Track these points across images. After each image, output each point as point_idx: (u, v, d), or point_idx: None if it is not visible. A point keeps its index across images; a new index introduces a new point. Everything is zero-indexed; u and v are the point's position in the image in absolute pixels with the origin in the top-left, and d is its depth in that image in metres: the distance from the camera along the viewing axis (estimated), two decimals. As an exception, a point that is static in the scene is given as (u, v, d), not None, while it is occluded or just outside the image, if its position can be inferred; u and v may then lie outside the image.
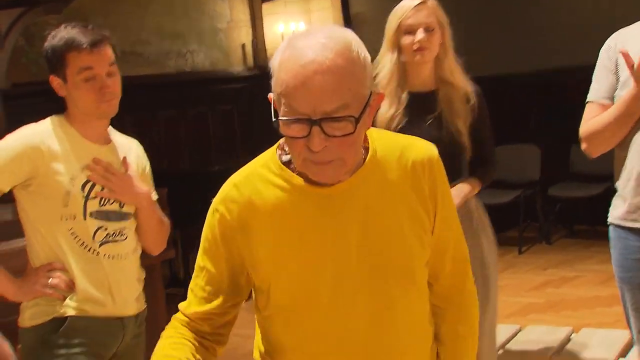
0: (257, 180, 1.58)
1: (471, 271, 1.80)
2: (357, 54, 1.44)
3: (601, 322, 3.72)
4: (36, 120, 2.45)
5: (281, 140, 1.59)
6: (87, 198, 2.41)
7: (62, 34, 2.43)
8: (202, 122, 7.42)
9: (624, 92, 2.53)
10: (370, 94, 1.47)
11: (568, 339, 3.46)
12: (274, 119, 1.46)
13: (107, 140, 2.55)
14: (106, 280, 2.41)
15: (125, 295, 2.46)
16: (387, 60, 2.91)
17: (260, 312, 1.65)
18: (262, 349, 1.69)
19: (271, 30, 8.24)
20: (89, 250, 2.41)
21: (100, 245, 2.42)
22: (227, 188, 1.60)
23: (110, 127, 2.62)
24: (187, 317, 1.62)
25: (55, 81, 2.43)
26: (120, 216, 2.48)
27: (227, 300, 1.62)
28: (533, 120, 7.12)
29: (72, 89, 2.43)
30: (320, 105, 1.39)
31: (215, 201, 1.61)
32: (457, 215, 2.74)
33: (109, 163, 2.48)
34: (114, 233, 2.46)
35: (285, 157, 1.57)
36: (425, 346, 1.70)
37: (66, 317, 2.37)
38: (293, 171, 1.55)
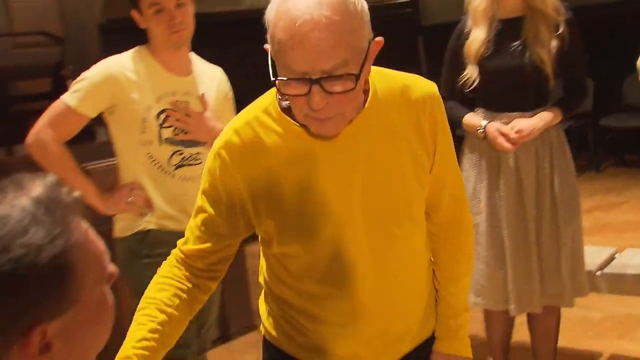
0: (257, 126, 1.52)
1: (468, 202, 1.76)
2: (354, 6, 1.35)
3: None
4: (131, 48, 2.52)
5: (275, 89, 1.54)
6: (161, 126, 2.46)
7: None
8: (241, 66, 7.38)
9: None
10: (369, 44, 1.40)
11: (612, 258, 3.45)
12: (272, 78, 1.41)
13: (188, 71, 2.58)
14: (180, 200, 2.48)
15: None
16: None
17: (263, 248, 1.65)
18: (266, 277, 1.70)
19: None
20: (165, 172, 2.49)
21: (176, 168, 2.50)
22: (229, 133, 1.55)
23: (196, 56, 2.65)
24: (182, 253, 1.60)
25: (135, 15, 2.47)
26: (194, 143, 2.52)
27: (223, 241, 1.60)
28: (587, 53, 6.99)
29: (147, 21, 2.46)
30: (318, 64, 1.32)
31: (217, 145, 1.55)
32: (538, 145, 2.74)
33: (185, 105, 2.50)
34: (189, 157, 2.51)
35: (285, 103, 1.50)
36: (422, 271, 1.69)
37: (148, 230, 2.49)
38: (293, 118, 1.49)
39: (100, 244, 1.02)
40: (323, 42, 1.30)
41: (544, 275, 2.86)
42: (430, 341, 1.75)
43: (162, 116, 2.47)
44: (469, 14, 2.87)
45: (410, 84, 1.57)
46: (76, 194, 0.99)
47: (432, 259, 1.74)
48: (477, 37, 2.82)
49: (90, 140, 3.61)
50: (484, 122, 2.81)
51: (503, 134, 2.75)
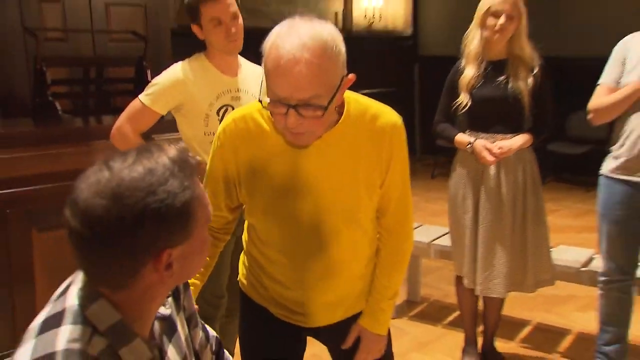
0: (251, 120, 1.52)
1: (412, 214, 1.69)
2: (332, 50, 1.32)
3: (573, 243, 3.82)
4: (196, 52, 2.42)
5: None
6: (221, 119, 2.34)
7: None
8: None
9: (628, 79, 2.57)
10: (342, 80, 1.37)
11: None
12: (259, 99, 1.44)
13: (237, 72, 2.47)
14: None
15: None
16: (474, 34, 2.81)
17: (246, 216, 1.65)
18: (245, 238, 1.71)
19: (358, 5, 7.93)
20: None
21: None
22: (228, 121, 1.55)
23: (241, 58, 2.53)
24: None
25: (196, 29, 2.39)
26: None
27: (228, 209, 1.61)
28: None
29: (207, 33, 2.36)
30: (296, 94, 1.31)
31: (219, 130, 1.56)
32: (514, 162, 2.77)
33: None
34: None
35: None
36: (362, 262, 1.66)
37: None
38: None
39: (207, 198, 1.09)
40: (301, 78, 1.29)
41: (511, 269, 2.82)
42: (357, 316, 1.72)
43: (222, 110, 2.41)
44: (463, 56, 2.87)
45: (379, 114, 1.54)
46: (198, 158, 1.07)
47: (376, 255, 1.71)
48: (469, 73, 2.81)
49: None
50: (472, 139, 2.82)
51: (487, 150, 2.75)
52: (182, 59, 2.48)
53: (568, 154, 6.24)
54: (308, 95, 1.32)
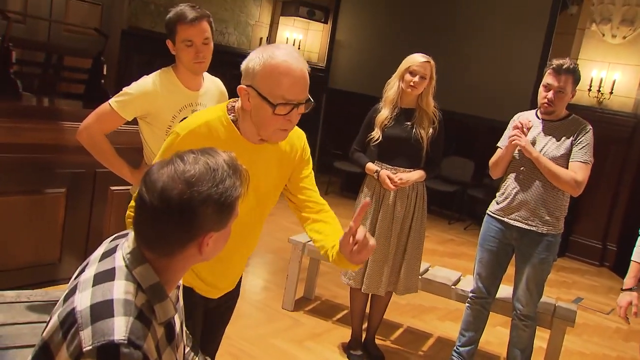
0: (213, 126, 1.58)
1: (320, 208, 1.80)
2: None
3: (439, 264, 4.17)
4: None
5: (229, 105, 1.62)
6: None
7: (176, 9, 2.32)
8: (224, 77, 7.39)
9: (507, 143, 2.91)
10: None
11: (427, 270, 3.58)
12: (274, 104, 1.49)
13: (200, 86, 2.42)
14: None
15: None
16: (393, 83, 3.04)
17: None
18: None
19: (281, 34, 8.21)
20: None
21: None
22: (192, 122, 1.59)
23: (206, 74, 2.48)
24: None
25: (169, 44, 2.33)
26: None
27: None
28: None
29: (178, 51, 2.31)
30: (302, 95, 1.53)
31: (178, 127, 1.60)
32: (409, 191, 2.99)
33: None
34: None
35: (232, 118, 1.60)
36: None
37: None
38: (237, 128, 1.59)
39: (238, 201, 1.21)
40: (305, 84, 1.53)
41: (390, 273, 3.08)
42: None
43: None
44: (383, 99, 3.09)
45: (297, 130, 1.74)
46: (241, 166, 1.20)
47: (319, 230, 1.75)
48: (384, 113, 3.04)
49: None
50: (378, 168, 3.05)
51: (390, 178, 2.99)
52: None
53: (438, 190, 6.71)
54: (306, 96, 1.55)
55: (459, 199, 7.17)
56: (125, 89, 2.35)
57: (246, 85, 1.54)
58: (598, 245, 6.31)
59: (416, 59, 2.99)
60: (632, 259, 2.56)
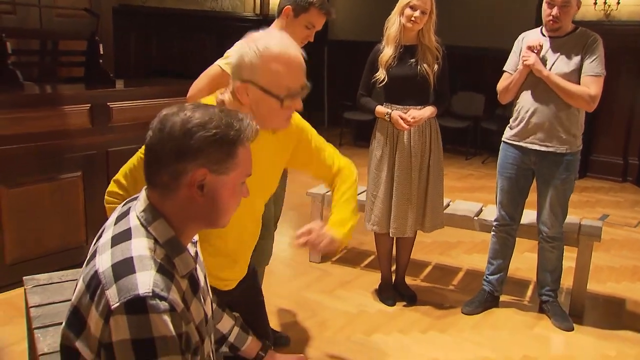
0: None
1: (341, 157, 1.85)
2: None
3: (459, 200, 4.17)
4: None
5: (217, 99, 1.58)
6: None
7: None
8: (223, 43, 7.31)
9: (520, 66, 2.86)
10: None
11: (448, 205, 3.59)
12: (281, 98, 1.47)
13: None
14: None
15: None
16: (394, 21, 2.98)
17: None
18: None
19: None
20: None
21: None
22: None
23: None
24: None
25: (288, 10, 2.37)
26: None
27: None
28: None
29: (295, 25, 2.38)
30: (303, 82, 1.52)
31: None
32: (424, 128, 2.97)
33: None
34: None
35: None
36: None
37: None
38: None
39: (250, 156, 1.21)
40: (305, 69, 1.51)
41: (416, 213, 3.08)
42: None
43: None
44: (384, 38, 3.04)
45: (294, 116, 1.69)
46: (254, 125, 1.21)
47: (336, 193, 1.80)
48: (387, 52, 3.00)
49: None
50: (389, 110, 3.02)
51: (402, 118, 2.95)
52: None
53: (451, 127, 6.60)
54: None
55: (473, 134, 7.10)
56: (229, 52, 2.34)
57: (243, 81, 1.49)
58: (619, 161, 6.23)
59: None
60: None
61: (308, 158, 1.80)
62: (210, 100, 1.60)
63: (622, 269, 3.94)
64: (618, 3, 5.85)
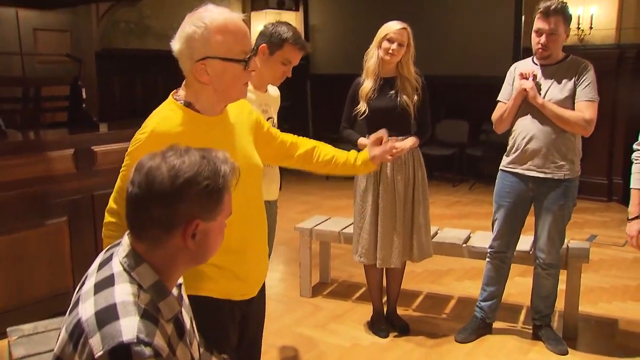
0: (168, 119, 1.53)
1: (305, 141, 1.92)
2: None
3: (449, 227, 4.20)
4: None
5: (173, 97, 1.58)
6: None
7: (290, 27, 2.45)
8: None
9: (513, 94, 2.88)
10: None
11: (436, 234, 3.56)
12: (244, 60, 1.49)
13: (266, 90, 2.55)
14: None
15: None
16: (372, 54, 3.02)
17: None
18: None
19: (254, 29, 7.83)
20: None
21: None
22: (149, 124, 1.53)
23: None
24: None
25: (263, 49, 2.40)
26: None
27: None
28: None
29: (272, 62, 2.42)
30: (251, 44, 1.55)
31: (147, 126, 1.52)
32: (406, 159, 3.01)
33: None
34: None
35: (183, 103, 1.55)
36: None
37: None
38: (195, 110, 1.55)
39: (230, 197, 1.22)
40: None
41: (402, 243, 3.07)
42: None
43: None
44: (364, 71, 3.07)
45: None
46: (234, 163, 1.21)
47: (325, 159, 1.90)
48: (367, 85, 3.03)
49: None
50: None
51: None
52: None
53: (437, 155, 6.72)
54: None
55: (459, 161, 7.15)
56: None
57: (200, 60, 1.49)
58: (604, 182, 6.30)
59: (392, 27, 2.98)
60: (631, 187, 2.55)
61: (268, 135, 1.81)
62: (167, 101, 1.59)
63: (612, 289, 3.94)
64: (591, 28, 6.00)
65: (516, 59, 6.21)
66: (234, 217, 1.30)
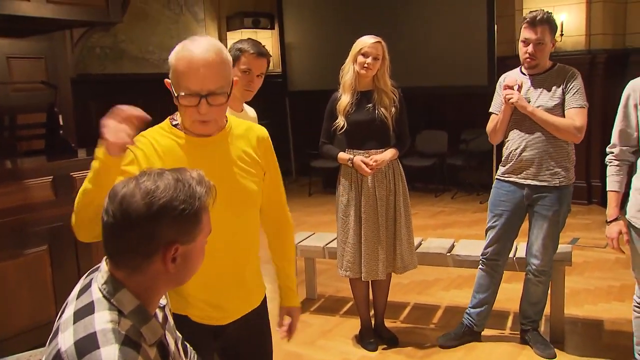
0: (156, 135, 1.58)
1: (288, 210, 1.87)
2: (226, 56, 1.51)
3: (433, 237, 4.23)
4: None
5: (170, 117, 1.62)
6: None
7: (248, 41, 2.53)
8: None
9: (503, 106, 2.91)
10: (232, 81, 1.54)
11: (420, 244, 3.57)
12: (175, 95, 1.48)
13: (241, 109, 2.60)
14: None
15: None
16: (348, 69, 3.05)
17: None
18: None
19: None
20: None
21: None
22: (139, 137, 1.53)
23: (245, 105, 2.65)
24: None
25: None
26: None
27: None
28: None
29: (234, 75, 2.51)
30: (206, 85, 1.46)
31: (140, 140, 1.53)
32: (386, 171, 2.99)
33: None
34: None
35: (174, 122, 1.60)
36: (255, 240, 1.74)
37: None
38: (179, 130, 1.58)
39: (209, 216, 1.21)
40: (210, 73, 1.46)
41: (386, 255, 3.08)
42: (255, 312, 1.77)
43: None
44: (340, 85, 3.10)
45: (252, 126, 1.74)
46: (209, 181, 1.20)
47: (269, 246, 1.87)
48: (345, 100, 3.06)
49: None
50: (351, 156, 3.05)
51: (364, 163, 2.99)
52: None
53: (417, 166, 6.78)
54: (216, 86, 1.48)
55: (440, 171, 7.21)
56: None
57: (167, 79, 1.54)
58: (583, 184, 6.38)
59: (367, 41, 3.01)
60: (608, 189, 2.59)
61: (269, 179, 1.75)
62: (158, 125, 1.61)
63: (596, 290, 3.98)
64: (562, 34, 6.11)
65: (491, 68, 6.34)
66: (212, 245, 1.30)
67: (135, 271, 1.15)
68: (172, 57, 1.50)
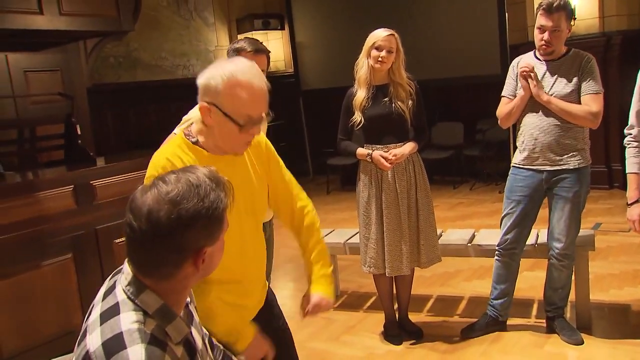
0: (173, 158, 1.56)
1: (303, 196, 1.87)
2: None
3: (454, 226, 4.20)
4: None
5: (185, 131, 1.62)
6: None
7: (245, 40, 2.54)
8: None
9: (519, 92, 2.90)
10: None
11: (440, 235, 3.51)
12: (241, 124, 1.50)
13: None
14: None
15: None
16: (362, 63, 3.02)
17: None
18: None
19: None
20: None
21: None
22: (157, 162, 1.56)
23: None
24: None
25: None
26: None
27: None
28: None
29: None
30: (262, 112, 1.55)
31: (154, 167, 1.56)
32: (406, 165, 2.98)
33: None
34: None
35: (192, 140, 1.60)
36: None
37: None
38: (200, 148, 1.58)
39: (226, 215, 1.21)
40: (267, 99, 1.56)
41: (409, 250, 3.07)
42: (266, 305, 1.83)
43: None
44: (355, 81, 3.08)
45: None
46: (223, 177, 1.21)
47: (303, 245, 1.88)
48: (360, 95, 3.03)
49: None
50: (370, 151, 3.03)
51: (384, 157, 2.97)
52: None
53: (435, 158, 6.71)
54: (265, 112, 1.56)
55: (457, 162, 7.17)
56: (185, 117, 2.53)
57: (207, 103, 1.54)
58: (603, 169, 6.30)
59: (380, 34, 2.98)
60: (627, 172, 2.56)
61: (277, 178, 1.81)
62: (178, 137, 1.63)
63: (622, 274, 3.93)
64: (574, 18, 6.03)
65: (503, 56, 6.29)
66: (232, 251, 1.33)
67: (165, 278, 1.16)
68: (220, 84, 1.50)
